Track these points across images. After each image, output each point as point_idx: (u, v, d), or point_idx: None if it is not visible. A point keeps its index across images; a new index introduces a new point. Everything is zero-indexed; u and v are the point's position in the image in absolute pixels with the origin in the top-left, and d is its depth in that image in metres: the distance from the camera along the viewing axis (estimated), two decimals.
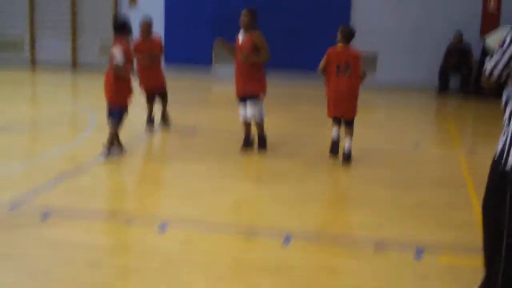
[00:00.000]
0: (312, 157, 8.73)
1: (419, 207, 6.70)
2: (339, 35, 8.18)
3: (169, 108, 10.26)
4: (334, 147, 8.45)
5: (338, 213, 6.57)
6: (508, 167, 3.73)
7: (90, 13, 17.58)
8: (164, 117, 10.25)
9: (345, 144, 8.34)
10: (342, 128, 8.39)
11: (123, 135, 8.68)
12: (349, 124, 8.35)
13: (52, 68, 17.10)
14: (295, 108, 12.83)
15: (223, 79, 16.26)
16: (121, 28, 8.31)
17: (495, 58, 3.76)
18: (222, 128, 10.39)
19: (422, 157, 9.05)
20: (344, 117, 8.33)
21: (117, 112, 8.29)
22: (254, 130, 8.99)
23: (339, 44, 8.18)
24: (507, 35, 3.74)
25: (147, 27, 9.87)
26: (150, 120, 10.18)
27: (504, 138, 3.81)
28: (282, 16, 16.10)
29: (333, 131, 8.44)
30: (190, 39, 16.87)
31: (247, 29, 8.52)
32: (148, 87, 9.97)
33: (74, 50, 17.70)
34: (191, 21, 16.77)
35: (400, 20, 16.02)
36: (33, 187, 6.88)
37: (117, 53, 8.05)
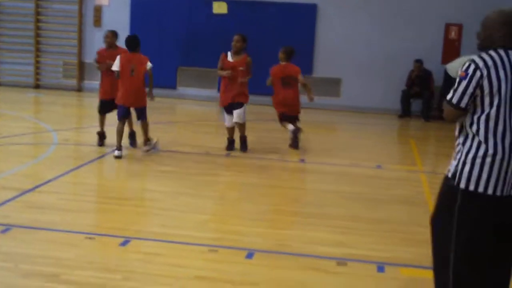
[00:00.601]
0: (278, 170, 8.84)
1: (381, 223, 6.76)
2: (281, 55, 10.69)
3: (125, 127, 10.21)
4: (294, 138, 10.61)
5: (302, 229, 6.57)
6: (462, 185, 3.85)
7: (54, 35, 17.46)
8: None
9: (290, 127, 10.52)
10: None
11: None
12: (296, 118, 10.79)
13: (14, 89, 16.90)
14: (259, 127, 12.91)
15: (187, 100, 16.28)
16: (137, 44, 9.62)
17: (461, 88, 3.85)
18: (183, 148, 10.35)
19: (384, 177, 9.14)
20: (292, 114, 10.69)
21: (144, 111, 9.64)
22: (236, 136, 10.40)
23: (282, 62, 10.61)
24: (469, 65, 3.83)
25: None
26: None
27: (458, 158, 3.93)
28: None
29: (288, 126, 10.56)
30: (156, 62, 16.84)
31: (239, 53, 10.17)
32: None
33: (37, 71, 17.54)
34: (157, 43, 16.76)
35: (363, 47, 16.23)
36: None
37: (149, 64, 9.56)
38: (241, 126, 10.31)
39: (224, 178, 8.87)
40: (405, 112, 15.75)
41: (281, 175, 9.02)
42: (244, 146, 10.38)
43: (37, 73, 17.53)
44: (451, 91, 3.91)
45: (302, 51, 16.21)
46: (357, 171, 9.35)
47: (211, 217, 6.80)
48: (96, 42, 14.19)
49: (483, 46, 4.06)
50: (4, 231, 5.93)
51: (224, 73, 10.08)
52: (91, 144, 10.12)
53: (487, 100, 3.81)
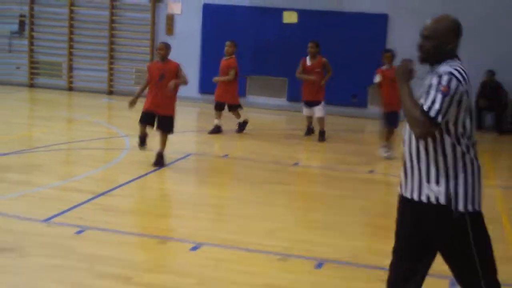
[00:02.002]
0: (347, 181, 8.80)
1: None
2: (387, 58, 11.19)
3: (204, 134, 10.34)
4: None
5: (371, 240, 6.51)
6: (460, 208, 3.70)
7: (127, 42, 17.85)
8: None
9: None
10: None
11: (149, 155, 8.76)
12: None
13: (88, 94, 17.34)
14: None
15: (256, 108, 16.35)
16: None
17: (445, 104, 3.57)
18: (252, 156, 10.41)
19: None
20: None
21: (171, 122, 9.28)
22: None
23: (386, 66, 11.11)
24: (450, 79, 3.60)
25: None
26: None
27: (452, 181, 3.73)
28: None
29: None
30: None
31: (314, 56, 12.23)
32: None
33: (110, 77, 17.96)
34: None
35: None
36: (68, 206, 6.95)
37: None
38: (321, 120, 12.23)
39: (294, 187, 8.87)
40: (478, 125, 15.40)
41: (350, 185, 8.95)
42: (322, 138, 12.14)
43: (110, 80, 17.94)
44: (431, 107, 3.56)
45: (372, 61, 16.10)
46: None
47: (280, 225, 6.81)
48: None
49: (430, 58, 3.81)
50: (79, 232, 6.08)
51: (306, 77, 12.14)
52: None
53: (463, 116, 3.66)
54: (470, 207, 3.70)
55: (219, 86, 12.63)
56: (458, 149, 3.69)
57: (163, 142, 9.25)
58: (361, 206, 7.86)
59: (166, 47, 9.43)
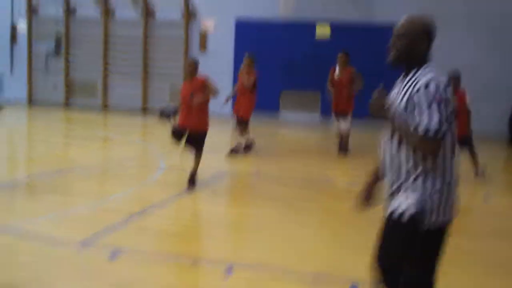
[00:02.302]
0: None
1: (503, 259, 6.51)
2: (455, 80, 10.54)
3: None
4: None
5: None
6: (433, 218, 3.63)
7: (161, 60, 18.01)
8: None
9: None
10: None
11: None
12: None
13: (123, 113, 17.51)
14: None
15: (289, 123, 16.34)
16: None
17: (444, 113, 3.48)
18: (285, 173, 10.37)
19: (490, 207, 8.82)
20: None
21: (202, 140, 9.23)
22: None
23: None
24: (438, 86, 3.50)
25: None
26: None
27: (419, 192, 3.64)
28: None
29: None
30: (259, 86, 17.05)
31: (344, 66, 12.22)
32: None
33: (145, 95, 18.12)
34: (261, 67, 16.98)
35: (470, 70, 15.82)
36: (103, 226, 6.99)
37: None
38: (345, 133, 12.34)
39: (328, 205, 8.79)
40: None
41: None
42: (343, 151, 12.37)
43: (145, 97, 18.10)
44: (431, 121, 3.46)
45: None
46: (465, 201, 9.06)
47: (313, 245, 6.76)
48: (201, 67, 14.47)
49: (401, 58, 3.70)
50: (113, 253, 6.11)
51: (330, 88, 12.35)
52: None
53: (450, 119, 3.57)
54: (440, 219, 3.63)
55: (238, 101, 12.29)
56: (441, 157, 3.59)
57: (196, 161, 9.27)
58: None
59: (194, 64, 9.46)
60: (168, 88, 17.83)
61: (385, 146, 3.77)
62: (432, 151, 3.50)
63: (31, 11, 18.70)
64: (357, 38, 16.18)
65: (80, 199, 8.25)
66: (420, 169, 3.60)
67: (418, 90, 3.53)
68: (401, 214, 3.62)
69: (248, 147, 12.14)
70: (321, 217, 8.20)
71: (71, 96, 18.74)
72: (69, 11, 18.43)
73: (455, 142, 3.66)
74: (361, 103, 14.41)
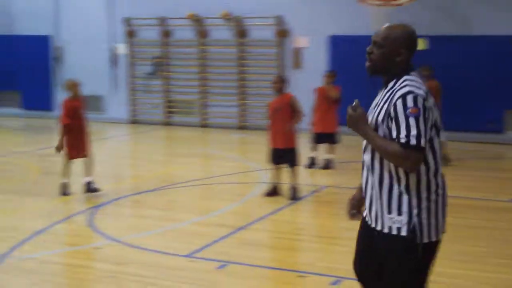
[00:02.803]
0: (486, 210, 8.52)
1: None
2: None
3: (337, 166, 10.27)
4: None
5: None
6: (424, 238, 3.47)
7: (255, 77, 18.25)
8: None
9: None
10: None
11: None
12: None
13: (221, 130, 17.83)
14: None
15: None
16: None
17: (422, 126, 3.29)
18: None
19: None
20: None
21: (293, 154, 9.32)
22: None
23: None
24: (416, 97, 3.32)
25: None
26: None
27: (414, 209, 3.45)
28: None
29: None
30: (352, 101, 16.99)
31: (427, 80, 11.27)
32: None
33: (241, 112, 18.39)
34: (353, 82, 16.94)
35: None
36: (208, 240, 7.16)
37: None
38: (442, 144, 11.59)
39: None
40: None
41: (487, 215, 8.63)
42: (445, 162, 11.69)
43: (241, 115, 18.37)
44: (409, 135, 3.27)
45: (507, 85, 15.56)
46: None
47: None
48: (295, 83, 14.62)
49: (377, 68, 3.53)
50: (221, 267, 6.25)
51: None
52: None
53: (430, 134, 3.39)
54: (433, 238, 3.50)
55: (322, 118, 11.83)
56: (424, 172, 3.43)
57: (293, 175, 9.35)
58: (501, 237, 7.58)
59: (281, 80, 9.55)
60: (263, 105, 18.00)
61: (365, 162, 3.60)
62: (412, 164, 3.31)
63: (130, 34, 19.38)
64: (454, 49, 15.89)
65: (186, 215, 8.48)
66: (403, 186, 3.43)
67: (395, 103, 3.36)
68: (395, 236, 3.46)
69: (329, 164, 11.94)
70: None
71: (170, 115, 19.25)
72: (166, 33, 18.99)
73: (440, 156, 3.49)
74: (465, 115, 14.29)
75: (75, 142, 9.29)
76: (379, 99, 3.54)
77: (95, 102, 18.91)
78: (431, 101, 3.41)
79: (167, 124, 19.08)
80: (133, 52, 19.60)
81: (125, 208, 9.18)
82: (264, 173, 11.10)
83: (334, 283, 5.83)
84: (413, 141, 3.27)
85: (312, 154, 11.90)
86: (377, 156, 3.47)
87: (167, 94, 19.26)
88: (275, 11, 17.65)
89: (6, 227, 7.71)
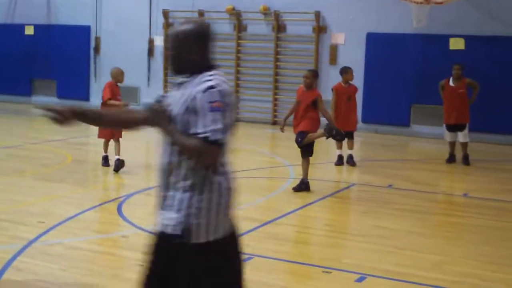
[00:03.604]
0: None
1: None
2: None
3: (367, 164, 10.25)
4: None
5: None
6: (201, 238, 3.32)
7: (291, 73, 18.22)
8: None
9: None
10: None
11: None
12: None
13: (254, 125, 17.85)
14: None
15: (420, 137, 16.06)
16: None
17: (227, 121, 3.22)
18: (417, 186, 10.19)
19: None
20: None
21: (306, 146, 9.44)
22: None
23: None
24: (220, 91, 3.24)
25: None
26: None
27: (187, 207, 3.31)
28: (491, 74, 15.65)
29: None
30: (389, 99, 16.89)
31: (459, 78, 12.22)
32: None
33: (275, 108, 18.39)
34: (391, 80, 16.82)
35: None
36: None
37: None
38: (465, 145, 12.24)
39: (460, 219, 8.59)
40: None
41: None
42: (467, 161, 12.17)
43: (274, 110, 18.37)
44: (211, 129, 3.16)
45: None
46: None
47: (448, 258, 6.61)
48: (331, 80, 14.56)
49: (178, 69, 3.41)
50: (246, 260, 6.25)
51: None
52: (325, 180, 10.38)
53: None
54: (211, 237, 3.33)
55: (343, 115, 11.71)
56: (213, 170, 3.31)
57: (302, 167, 9.46)
58: None
59: (313, 76, 9.55)
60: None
61: (161, 155, 3.45)
62: (209, 160, 3.22)
63: (168, 27, 19.50)
64: (493, 50, 15.65)
65: None
66: (189, 182, 3.32)
67: (197, 97, 3.24)
68: (170, 233, 3.35)
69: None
70: (456, 230, 8.02)
71: None
72: None
73: (226, 155, 3.40)
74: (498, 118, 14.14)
75: None
76: (179, 95, 3.38)
77: (131, 93, 19.06)
78: (233, 99, 3.34)
79: None
80: None
81: (154, 198, 9.22)
82: (293, 168, 11.09)
83: (359, 280, 5.80)
84: (214, 136, 3.16)
85: (339, 152, 11.85)
86: (173, 152, 3.34)
87: None
88: (313, 7, 17.59)
89: (38, 213, 7.81)
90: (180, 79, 3.45)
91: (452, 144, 12.44)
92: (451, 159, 12.43)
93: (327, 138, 9.83)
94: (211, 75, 3.33)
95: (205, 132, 3.16)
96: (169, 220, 3.34)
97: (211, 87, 3.24)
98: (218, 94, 3.23)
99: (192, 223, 3.30)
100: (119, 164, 10.33)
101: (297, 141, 9.35)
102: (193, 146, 3.17)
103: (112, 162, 10.57)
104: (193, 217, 3.30)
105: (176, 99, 3.36)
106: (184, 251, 3.32)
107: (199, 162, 3.23)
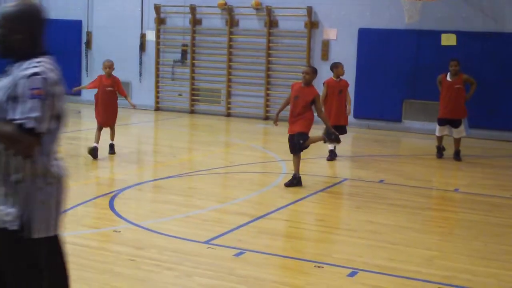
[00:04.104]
0: (508, 209, 8.44)
1: None
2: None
3: (358, 159, 10.27)
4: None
5: None
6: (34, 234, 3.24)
7: (283, 68, 18.21)
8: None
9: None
10: None
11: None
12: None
13: (245, 120, 17.84)
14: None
15: (412, 133, 16.09)
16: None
17: (47, 109, 3.09)
18: (409, 182, 10.21)
19: None
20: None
21: (299, 142, 9.37)
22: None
23: None
24: (44, 79, 3.11)
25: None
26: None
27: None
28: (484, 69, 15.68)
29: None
30: (381, 94, 16.91)
31: (456, 74, 12.20)
32: None
33: (267, 103, 18.37)
34: (383, 76, 16.83)
35: None
36: (227, 228, 7.17)
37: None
38: (458, 140, 12.30)
39: (452, 214, 8.61)
40: None
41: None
42: (457, 157, 12.25)
43: (266, 105, 18.35)
44: (29, 116, 3.02)
45: None
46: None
47: (440, 253, 6.62)
48: (323, 75, 14.52)
49: (4, 53, 3.26)
50: (238, 255, 6.26)
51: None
52: (317, 175, 10.38)
53: (53, 122, 3.20)
54: (44, 233, 3.26)
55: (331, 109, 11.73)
56: (43, 162, 3.23)
57: (294, 163, 9.47)
58: None
59: (312, 72, 9.50)
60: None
61: None
62: (24, 149, 3.05)
63: (159, 21, 19.44)
64: (485, 46, 15.69)
65: (206, 202, 8.48)
66: (20, 174, 3.20)
67: (20, 83, 3.10)
68: (7, 228, 3.22)
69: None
70: (448, 225, 8.03)
71: (195, 103, 19.30)
72: (195, 22, 19.01)
73: (56, 148, 3.33)
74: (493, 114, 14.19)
75: (101, 112, 11.22)
76: (6, 82, 3.22)
77: (124, 88, 18.96)
78: (60, 89, 3.24)
79: (192, 112, 19.14)
80: (162, 39, 19.67)
81: (147, 193, 9.23)
82: (285, 163, 11.08)
83: (351, 275, 5.80)
84: (30, 124, 3.02)
85: (331, 147, 11.87)
86: None
87: (193, 82, 19.31)
88: (305, 2, 17.58)
89: None
90: (8, 65, 3.28)
91: (440, 139, 12.49)
92: (440, 153, 12.50)
93: (325, 142, 9.87)
94: (38, 62, 3.20)
95: (21, 119, 3.02)
96: (7, 215, 3.22)
97: (35, 73, 3.11)
98: (41, 81, 3.11)
99: (29, 217, 3.21)
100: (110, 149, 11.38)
101: (298, 143, 9.30)
102: (6, 132, 3.01)
103: (102, 153, 11.12)
104: (30, 211, 3.21)
105: (2, 86, 3.21)
106: (22, 247, 3.23)
107: (14, 149, 3.08)
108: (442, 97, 12.43)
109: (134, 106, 11.85)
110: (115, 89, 11.35)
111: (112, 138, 11.39)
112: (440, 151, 12.54)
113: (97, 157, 10.83)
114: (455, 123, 12.25)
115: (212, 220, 7.62)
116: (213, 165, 11.03)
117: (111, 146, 11.38)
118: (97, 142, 11.00)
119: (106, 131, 11.29)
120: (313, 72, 9.53)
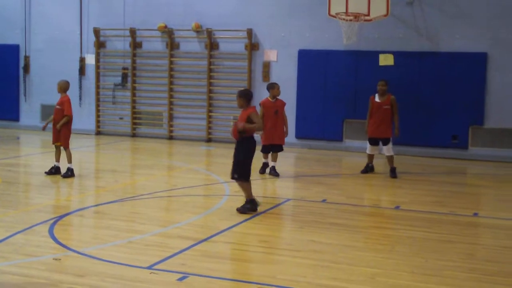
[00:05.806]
0: (449, 225, 8.60)
1: None
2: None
3: (301, 179, 10.36)
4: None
5: (479, 286, 6.30)
6: None
7: (225, 90, 18.27)
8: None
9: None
10: None
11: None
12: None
13: (188, 142, 17.78)
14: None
15: (352, 152, 16.29)
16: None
17: None
18: (350, 200, 10.33)
19: None
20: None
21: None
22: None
23: None
24: None
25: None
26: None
27: None
28: (414, 90, 16.01)
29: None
30: (322, 115, 17.10)
31: (384, 94, 12.79)
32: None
33: (209, 125, 18.37)
34: (323, 96, 17.04)
35: None
36: (170, 252, 7.11)
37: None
38: (391, 158, 12.74)
39: (393, 231, 8.73)
40: None
41: (453, 229, 8.71)
42: (394, 174, 12.66)
43: (209, 127, 18.35)
44: None
45: (472, 101, 15.77)
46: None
47: (381, 271, 6.70)
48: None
49: None
50: (181, 279, 6.20)
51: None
52: (259, 196, 10.39)
53: None
54: None
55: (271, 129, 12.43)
56: None
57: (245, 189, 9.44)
58: (466, 251, 7.64)
59: (239, 96, 9.36)
60: (232, 118, 18.01)
61: None
62: None
63: (99, 45, 19.29)
64: (422, 65, 16.07)
65: (148, 226, 8.40)
66: None
67: None
68: None
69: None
70: (389, 242, 8.12)
71: (137, 126, 19.16)
72: (135, 45, 18.93)
73: None
74: (429, 131, 14.44)
75: (69, 132, 12.11)
76: None
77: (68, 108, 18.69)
78: None
79: (134, 135, 18.99)
80: (102, 63, 19.50)
81: (88, 219, 9.08)
82: (228, 185, 11.07)
83: None
84: None
85: (264, 160, 12.65)
86: None
87: (134, 105, 19.18)
88: (245, 24, 17.71)
89: None
90: None
91: (371, 157, 13.12)
92: (367, 169, 13.12)
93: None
94: None
95: None
96: None
97: None
98: None
99: None
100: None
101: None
102: None
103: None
104: None
105: None
106: None
107: None
108: (370, 117, 12.96)
109: (43, 128, 12.15)
110: (62, 108, 11.82)
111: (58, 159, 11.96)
112: (367, 168, 13.13)
113: (73, 175, 11.77)
114: (384, 142, 12.82)
115: (155, 244, 7.53)
116: (156, 189, 10.95)
117: (57, 168, 11.88)
118: (57, 161, 11.89)
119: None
120: (240, 96, 9.45)
